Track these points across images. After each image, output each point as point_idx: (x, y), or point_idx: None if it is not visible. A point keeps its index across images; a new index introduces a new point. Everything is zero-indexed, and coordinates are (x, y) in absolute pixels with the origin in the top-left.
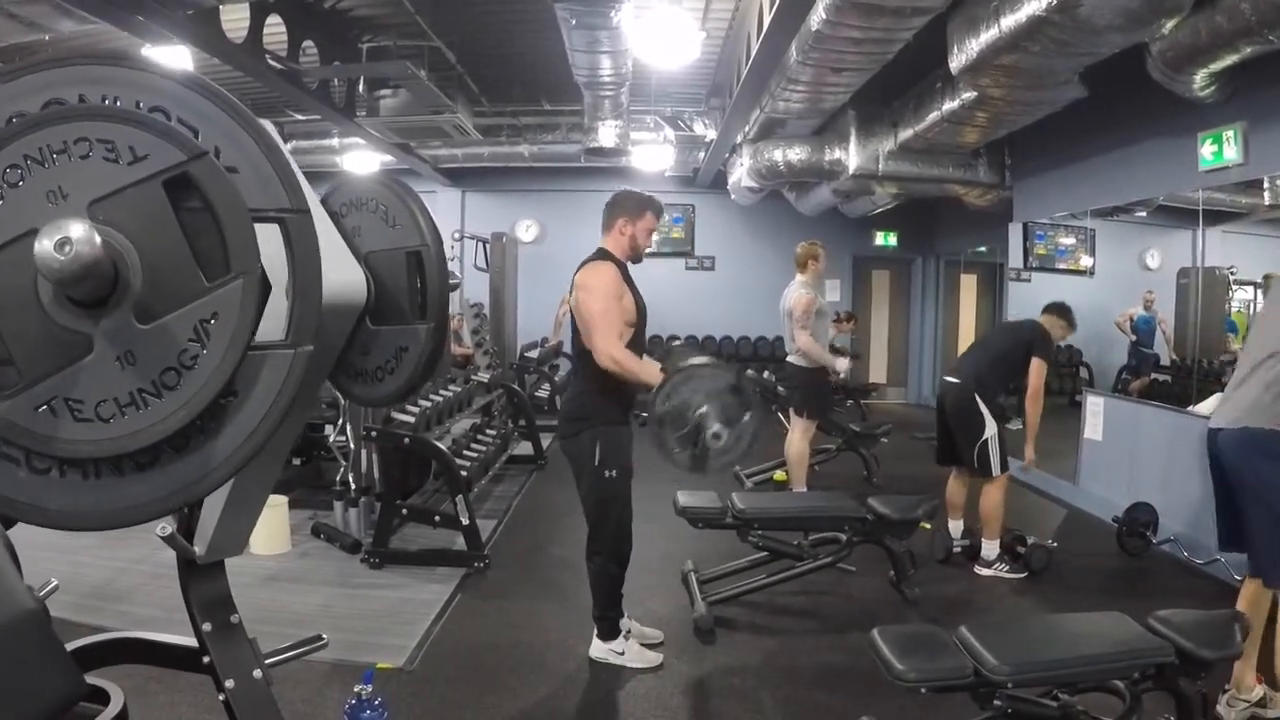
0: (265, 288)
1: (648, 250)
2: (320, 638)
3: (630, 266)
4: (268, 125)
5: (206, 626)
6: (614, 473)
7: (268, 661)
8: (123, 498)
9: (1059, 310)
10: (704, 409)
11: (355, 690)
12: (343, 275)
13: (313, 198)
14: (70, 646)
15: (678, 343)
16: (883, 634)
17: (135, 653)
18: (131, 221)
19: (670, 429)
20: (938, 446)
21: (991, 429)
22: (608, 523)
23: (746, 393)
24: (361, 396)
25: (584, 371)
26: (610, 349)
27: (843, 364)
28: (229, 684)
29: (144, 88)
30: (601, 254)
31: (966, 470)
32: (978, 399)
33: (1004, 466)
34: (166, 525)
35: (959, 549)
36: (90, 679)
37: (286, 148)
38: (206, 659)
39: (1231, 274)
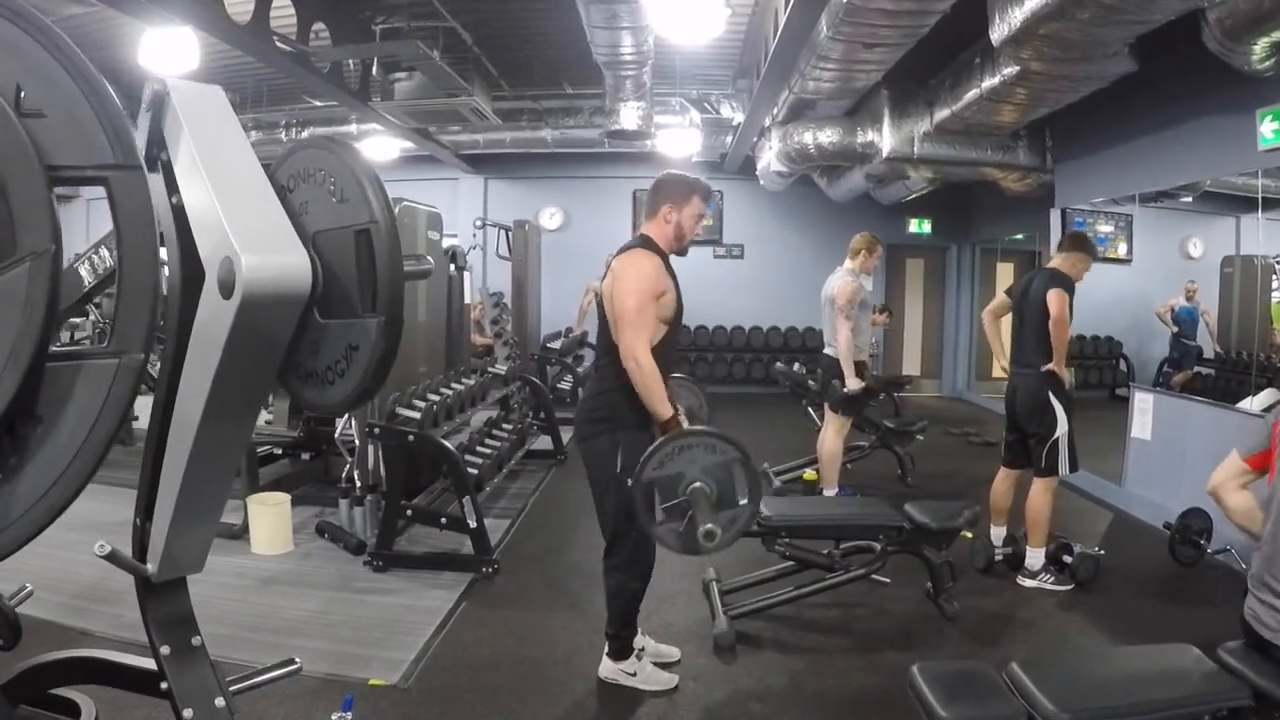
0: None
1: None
2: (293, 661)
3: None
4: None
5: (165, 650)
6: None
7: (233, 688)
8: None
9: (1076, 242)
10: (698, 484)
11: (334, 718)
12: (285, 258)
13: (257, 169)
14: (21, 666)
15: (677, 377)
16: (924, 672)
17: (93, 673)
18: None
19: (658, 497)
20: (1005, 445)
21: (1063, 427)
22: (629, 536)
23: (749, 469)
24: (314, 402)
25: (608, 368)
26: (636, 350)
27: (853, 385)
28: (187, 714)
29: None
30: (644, 241)
31: (1033, 471)
32: (1051, 395)
33: (1073, 466)
34: (105, 543)
35: (1000, 557)
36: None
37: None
38: (165, 685)
39: (1278, 262)
